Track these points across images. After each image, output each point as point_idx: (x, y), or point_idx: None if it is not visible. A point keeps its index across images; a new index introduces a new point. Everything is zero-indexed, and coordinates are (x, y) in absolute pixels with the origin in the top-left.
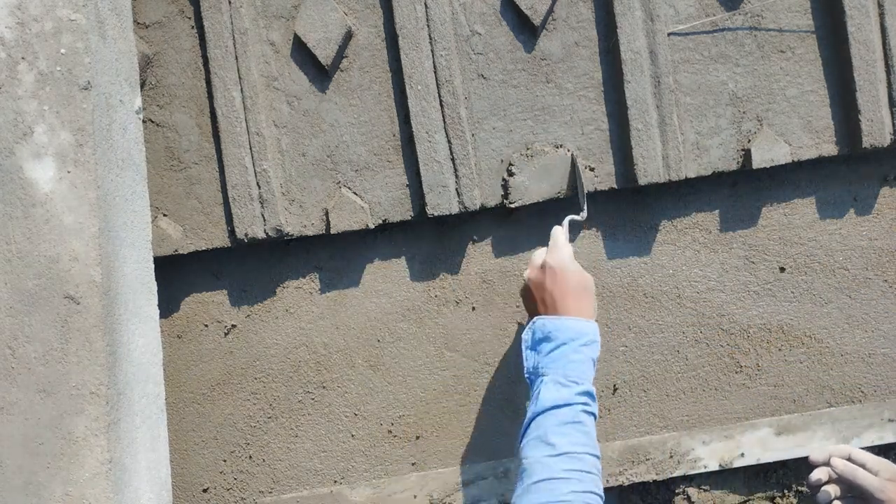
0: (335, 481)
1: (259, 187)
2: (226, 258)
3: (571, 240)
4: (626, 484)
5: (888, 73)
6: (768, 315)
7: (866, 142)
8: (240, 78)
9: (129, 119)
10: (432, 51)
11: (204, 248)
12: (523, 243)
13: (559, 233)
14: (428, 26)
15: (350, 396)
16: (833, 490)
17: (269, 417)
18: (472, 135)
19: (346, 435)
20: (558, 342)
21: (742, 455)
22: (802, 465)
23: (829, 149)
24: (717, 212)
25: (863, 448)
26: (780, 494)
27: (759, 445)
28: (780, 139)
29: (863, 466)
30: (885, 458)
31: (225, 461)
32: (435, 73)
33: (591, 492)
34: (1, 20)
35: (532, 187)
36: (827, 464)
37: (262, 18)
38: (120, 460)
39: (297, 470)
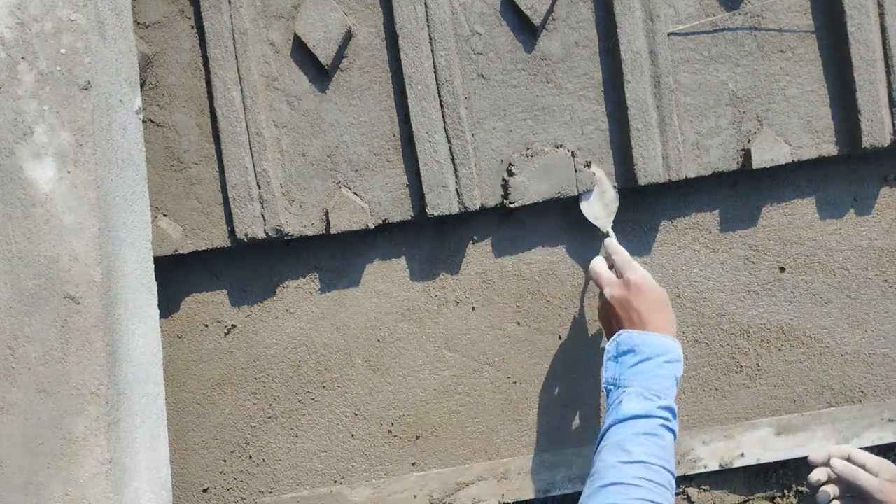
0: (335, 481)
1: (259, 187)
2: (226, 258)
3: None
4: None
5: (888, 73)
6: (768, 315)
7: (866, 142)
8: (240, 78)
9: (129, 119)
10: (432, 51)
11: (204, 248)
12: (523, 243)
13: (617, 244)
14: (428, 26)
15: (350, 396)
16: (832, 490)
17: (269, 417)
18: (472, 135)
19: (346, 435)
20: (643, 356)
21: (742, 455)
22: (802, 465)
23: (829, 149)
24: (717, 212)
25: (863, 448)
26: (780, 494)
27: (759, 445)
28: (780, 139)
29: (863, 467)
30: (885, 458)
31: (225, 461)
32: (435, 73)
33: (658, 503)
34: (1, 20)
35: (532, 187)
36: (826, 464)
37: (262, 18)
38: (120, 460)
39: (297, 470)
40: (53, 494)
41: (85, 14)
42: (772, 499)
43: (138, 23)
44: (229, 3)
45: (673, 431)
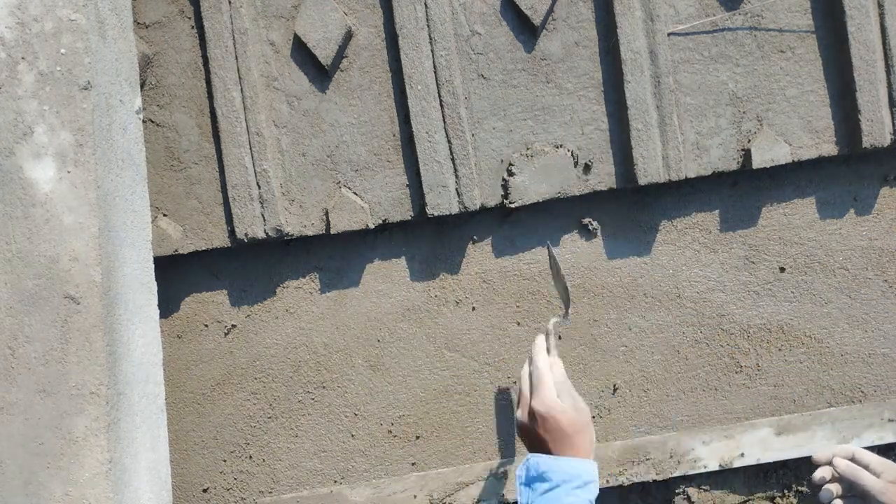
0: (335, 481)
1: (259, 187)
2: (226, 258)
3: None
4: (626, 484)
5: (888, 73)
6: (768, 315)
7: (866, 142)
8: (240, 78)
9: (129, 119)
10: (432, 51)
11: (204, 248)
12: (523, 243)
13: (540, 354)
14: (428, 26)
15: (350, 396)
16: (835, 489)
17: (269, 417)
18: (472, 135)
19: (346, 435)
20: (552, 484)
21: (742, 455)
22: (803, 465)
23: (829, 149)
24: (717, 212)
25: (863, 448)
26: (780, 494)
27: (759, 445)
28: (780, 139)
29: (866, 467)
30: (886, 457)
31: (225, 461)
32: (435, 73)
33: None
34: (1, 20)
35: (532, 187)
36: (830, 463)
37: (262, 18)
38: (120, 460)
39: (297, 470)
40: (53, 494)
41: (85, 14)
42: (772, 499)
43: (138, 23)
44: (229, 3)
45: None
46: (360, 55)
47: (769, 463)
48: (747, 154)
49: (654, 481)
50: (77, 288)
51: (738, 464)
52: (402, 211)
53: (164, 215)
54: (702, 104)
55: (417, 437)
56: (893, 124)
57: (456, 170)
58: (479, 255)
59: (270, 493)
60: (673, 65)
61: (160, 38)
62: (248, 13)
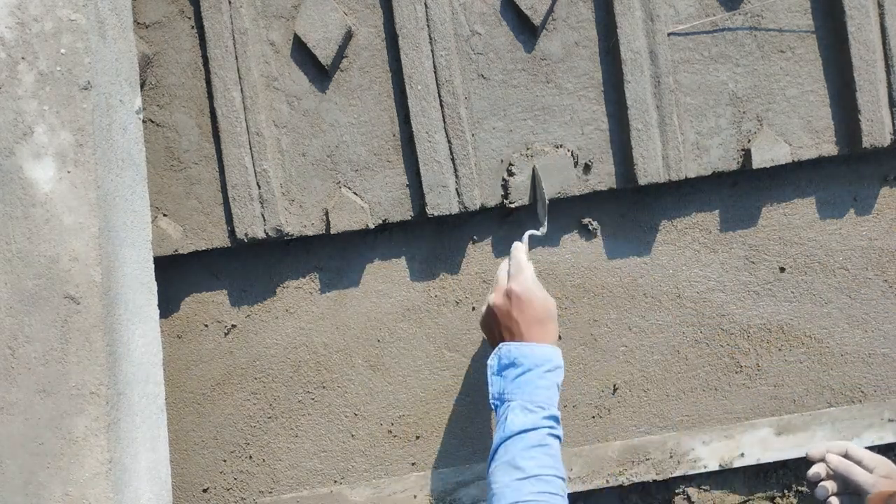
0: (335, 481)
1: (259, 187)
2: (226, 258)
3: (529, 251)
4: (626, 484)
5: (888, 73)
6: (768, 315)
7: (866, 142)
8: (240, 78)
9: (129, 119)
10: (432, 51)
11: (204, 248)
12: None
13: (520, 252)
14: (428, 26)
15: (350, 396)
16: (831, 486)
17: (269, 417)
18: (472, 135)
19: (346, 435)
20: (524, 368)
21: (742, 455)
22: (802, 465)
23: (829, 149)
24: (717, 212)
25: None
26: (780, 494)
27: (759, 445)
28: (780, 139)
29: (859, 463)
30: (886, 457)
31: (225, 461)
32: (435, 73)
33: None
34: (1, 20)
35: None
36: (823, 460)
37: (262, 18)
38: (120, 460)
39: (297, 470)
40: (53, 494)
41: (85, 14)
42: (772, 499)
43: (138, 23)
44: (229, 3)
45: (559, 437)
46: (360, 55)
47: (769, 463)
48: (747, 154)
49: (654, 481)
50: (77, 288)
51: (738, 464)
52: (402, 211)
53: (164, 215)
54: (702, 104)
55: (417, 437)
56: (893, 124)
57: (456, 170)
58: (479, 255)
59: (270, 493)
60: (673, 65)
61: (160, 38)
62: (248, 13)
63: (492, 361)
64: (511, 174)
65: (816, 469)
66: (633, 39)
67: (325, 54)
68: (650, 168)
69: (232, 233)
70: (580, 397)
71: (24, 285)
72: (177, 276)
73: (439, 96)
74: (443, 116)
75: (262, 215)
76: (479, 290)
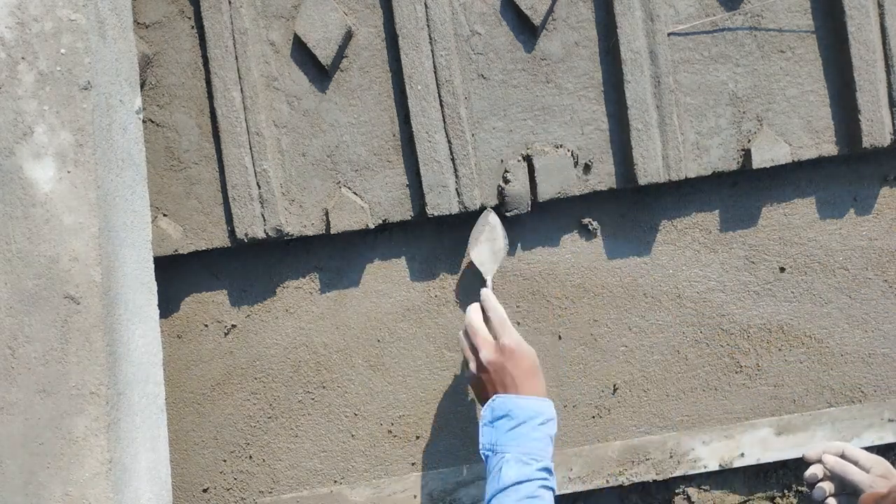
0: (335, 481)
1: (259, 187)
2: (226, 258)
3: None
4: (626, 484)
5: (888, 73)
6: (768, 315)
7: (866, 142)
8: (240, 78)
9: (129, 119)
10: (432, 51)
11: (204, 248)
12: (523, 243)
13: (493, 300)
14: (428, 26)
15: (350, 396)
16: (828, 487)
17: (269, 417)
18: (472, 135)
19: (346, 435)
20: (518, 421)
21: (742, 455)
22: (802, 465)
23: (829, 149)
24: (717, 212)
25: (863, 448)
26: (780, 494)
27: (759, 445)
28: (780, 139)
29: (856, 463)
30: (885, 458)
31: (225, 461)
32: (435, 73)
33: None
34: (1, 20)
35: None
36: (820, 461)
37: (262, 18)
38: (120, 460)
39: (297, 470)
40: (53, 494)
41: (85, 14)
42: (772, 499)
43: (138, 23)
44: (229, 3)
45: (552, 489)
46: (360, 55)
47: (769, 463)
48: (747, 154)
49: (654, 481)
50: (77, 288)
51: (738, 464)
52: (402, 211)
53: (164, 215)
54: (702, 104)
55: (417, 437)
56: (893, 124)
57: (456, 170)
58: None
59: (270, 493)
60: (673, 65)
61: (160, 38)
62: (248, 13)
63: (485, 413)
64: (507, 181)
65: (813, 470)
66: (633, 39)
67: (325, 54)
68: (650, 168)
69: (232, 233)
70: (580, 397)
71: (24, 285)
72: (177, 276)
73: (439, 96)
74: (443, 116)
75: (262, 215)
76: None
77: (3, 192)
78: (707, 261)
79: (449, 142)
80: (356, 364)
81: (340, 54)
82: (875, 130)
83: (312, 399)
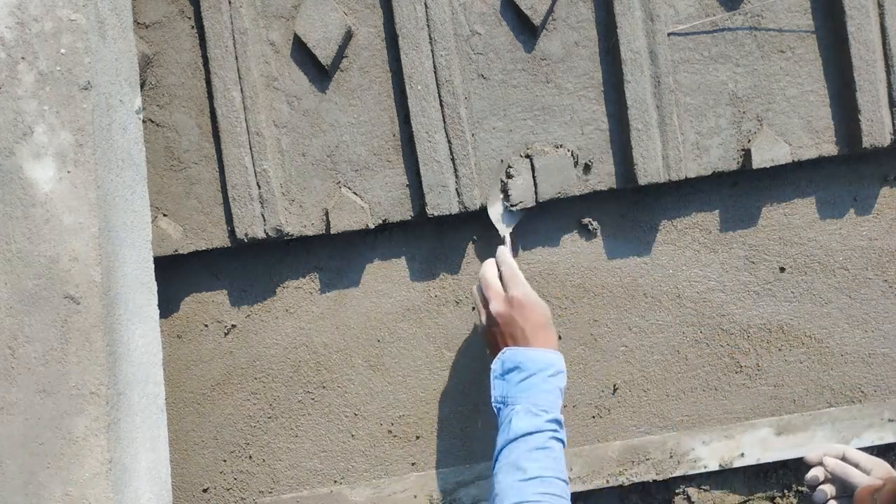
0: (335, 481)
1: (259, 187)
2: (226, 258)
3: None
4: (626, 484)
5: (888, 73)
6: (768, 315)
7: (866, 142)
8: (240, 78)
9: (129, 119)
10: (432, 51)
11: (204, 248)
12: (523, 243)
13: (508, 255)
14: (428, 26)
15: (350, 396)
16: (829, 490)
17: (269, 417)
18: (472, 135)
19: (346, 435)
20: (529, 372)
21: (742, 455)
22: (802, 466)
23: (829, 149)
24: (717, 212)
25: (863, 448)
26: (780, 494)
27: (759, 445)
28: (780, 139)
29: (856, 466)
30: (885, 458)
31: (225, 461)
32: (435, 73)
33: None
34: (1, 20)
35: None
36: (821, 463)
37: (262, 18)
38: (120, 460)
39: (297, 470)
40: (53, 494)
41: (85, 14)
42: (772, 499)
43: (138, 23)
44: (229, 3)
45: (562, 441)
46: (360, 55)
47: (769, 463)
48: (747, 154)
49: (654, 481)
50: (77, 288)
51: (738, 464)
52: (402, 211)
53: (164, 215)
54: (702, 104)
55: (417, 437)
56: (893, 124)
57: (456, 170)
58: (479, 255)
59: (270, 493)
60: (673, 65)
61: (160, 38)
62: (248, 13)
63: (495, 365)
64: (510, 176)
65: (814, 472)
66: (633, 39)
67: (325, 54)
68: (650, 168)
69: (232, 233)
70: (580, 397)
71: (24, 285)
72: (177, 276)
73: (439, 96)
74: (443, 116)
75: (262, 215)
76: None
77: (3, 192)
78: (707, 261)
79: (449, 142)
80: (356, 364)
81: (340, 54)
82: (875, 130)
83: (312, 399)
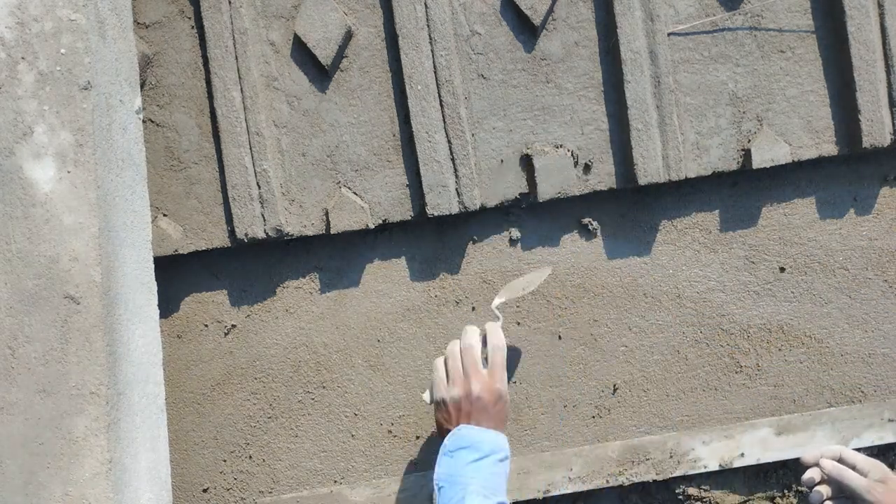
0: (335, 481)
1: (259, 187)
2: (226, 258)
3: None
4: (626, 484)
5: (888, 73)
6: (768, 315)
7: (866, 142)
8: (240, 78)
9: (129, 119)
10: (432, 51)
11: (204, 248)
12: (523, 243)
13: (500, 337)
14: (428, 26)
15: (350, 396)
16: (825, 490)
17: (269, 417)
18: (472, 135)
19: (346, 435)
20: (482, 454)
21: (742, 455)
22: (802, 466)
23: (829, 149)
24: (717, 212)
25: (863, 448)
26: (780, 494)
27: (759, 445)
28: (780, 139)
29: (853, 467)
30: (885, 458)
31: (225, 461)
32: (435, 73)
33: None
34: (1, 20)
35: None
36: (818, 464)
37: (262, 18)
38: (120, 460)
39: (297, 470)
40: (53, 494)
41: (85, 14)
42: (772, 499)
43: (138, 23)
44: (229, 3)
45: None
46: (360, 55)
47: (769, 463)
48: (747, 154)
49: (654, 481)
50: (77, 288)
51: (738, 464)
52: (402, 211)
53: (164, 215)
54: (702, 104)
55: (417, 437)
56: (893, 124)
57: (456, 170)
58: (479, 255)
59: (270, 493)
60: (673, 65)
61: (160, 38)
62: (248, 13)
63: (447, 441)
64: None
65: (811, 474)
66: (633, 39)
67: (325, 54)
68: (650, 168)
69: (232, 233)
70: (580, 397)
71: (24, 285)
72: (177, 276)
73: (439, 96)
74: (443, 116)
75: (262, 215)
76: (479, 290)
77: (3, 192)
78: (707, 261)
79: (449, 142)
80: (356, 364)
81: (340, 54)
82: (875, 130)
83: (312, 399)
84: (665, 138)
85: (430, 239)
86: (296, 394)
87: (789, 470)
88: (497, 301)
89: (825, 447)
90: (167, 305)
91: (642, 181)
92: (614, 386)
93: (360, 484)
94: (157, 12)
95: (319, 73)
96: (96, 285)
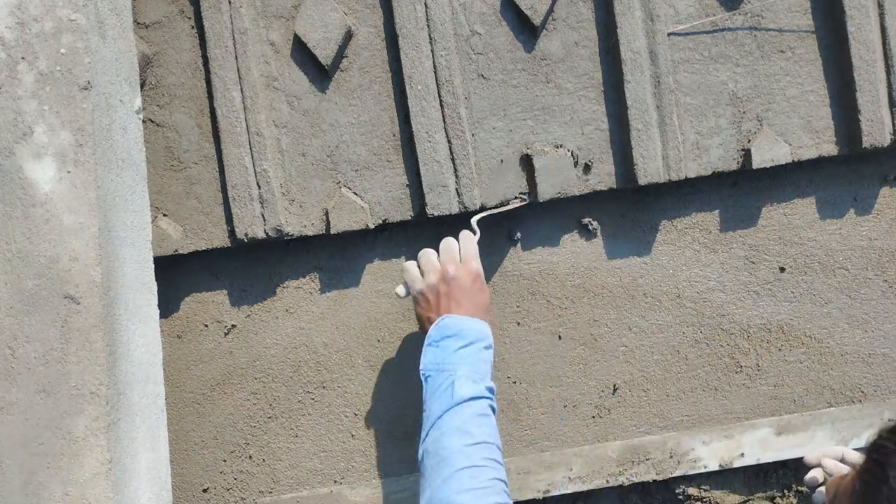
0: (335, 481)
1: (259, 187)
2: (226, 258)
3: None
4: (626, 484)
5: (888, 73)
6: (768, 315)
7: (866, 142)
8: (240, 78)
9: (129, 119)
10: (432, 51)
11: (204, 248)
12: (523, 243)
13: (473, 241)
14: (428, 26)
15: (350, 396)
16: None
17: (269, 417)
18: (472, 135)
19: (346, 435)
20: (468, 341)
21: (742, 455)
22: (802, 466)
23: (829, 149)
24: (717, 212)
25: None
26: (780, 494)
27: (759, 445)
28: (780, 139)
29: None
30: None
31: (225, 461)
32: (435, 73)
33: (503, 480)
34: (1, 20)
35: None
36: (820, 464)
37: (262, 18)
38: (120, 460)
39: (297, 470)
40: (53, 494)
41: (85, 14)
42: (772, 499)
43: (138, 23)
44: (229, 3)
45: (495, 409)
46: (360, 55)
47: (769, 463)
48: (747, 154)
49: (654, 481)
50: (77, 288)
51: (738, 464)
52: (402, 211)
53: (164, 215)
54: (702, 104)
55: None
56: (893, 124)
57: (456, 170)
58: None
59: (270, 493)
60: (673, 65)
61: (160, 38)
62: (248, 13)
63: (432, 331)
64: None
65: (813, 474)
66: (633, 39)
67: (325, 54)
68: (650, 168)
69: (232, 233)
70: (580, 397)
71: (24, 285)
72: (177, 276)
73: (439, 96)
74: (443, 116)
75: (262, 215)
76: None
77: (3, 192)
78: (707, 261)
79: (449, 142)
80: (356, 364)
81: (340, 54)
82: (875, 130)
83: (312, 399)
84: (665, 138)
85: (430, 239)
86: (296, 394)
87: (789, 470)
88: (477, 217)
89: (828, 447)
90: (167, 305)
91: (642, 181)
92: (614, 386)
93: (360, 484)
94: (157, 12)
95: (319, 73)
96: (96, 285)
